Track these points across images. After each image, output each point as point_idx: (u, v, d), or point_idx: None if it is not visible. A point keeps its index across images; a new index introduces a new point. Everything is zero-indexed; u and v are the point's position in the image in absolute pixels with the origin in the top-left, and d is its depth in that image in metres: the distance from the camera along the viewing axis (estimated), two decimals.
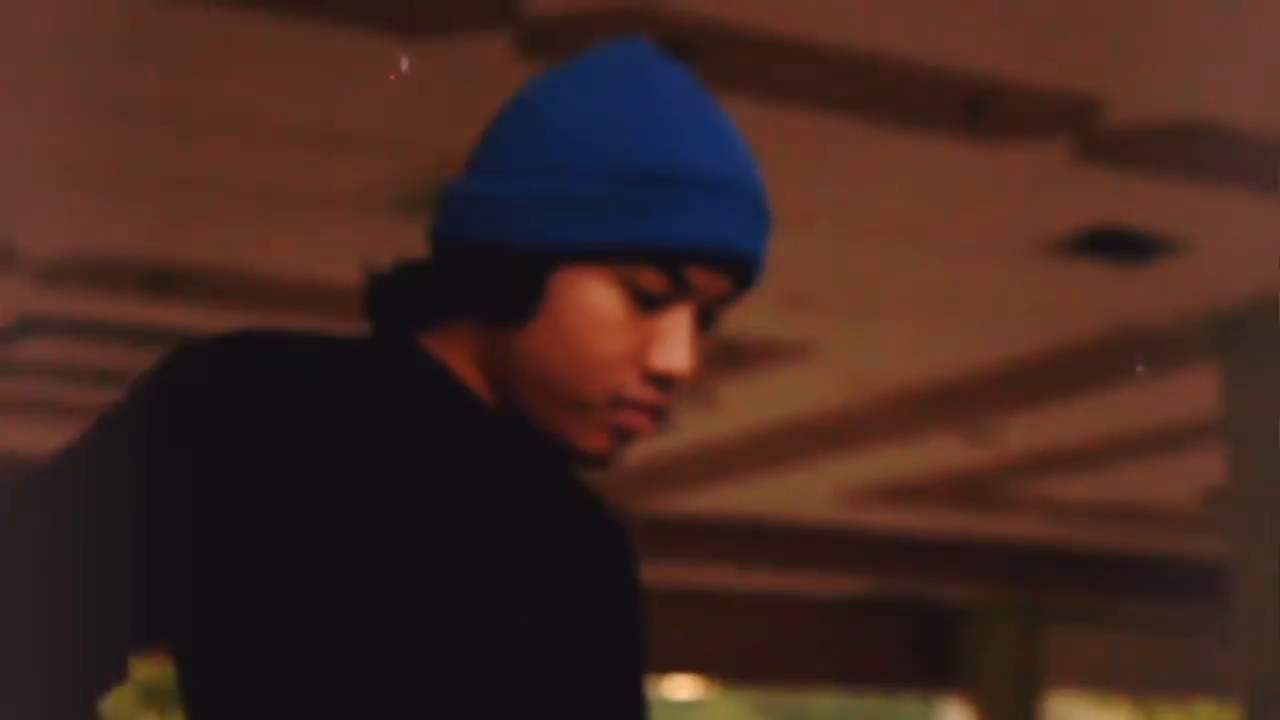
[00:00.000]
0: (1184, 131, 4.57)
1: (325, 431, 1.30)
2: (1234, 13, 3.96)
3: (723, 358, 6.50)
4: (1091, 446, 7.94)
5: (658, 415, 1.34)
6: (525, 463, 1.39)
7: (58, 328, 6.14)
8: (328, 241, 5.34)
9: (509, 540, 1.35)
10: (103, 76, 4.22)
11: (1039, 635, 11.00)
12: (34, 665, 1.25)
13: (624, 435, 1.34)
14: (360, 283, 1.40)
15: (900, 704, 12.21)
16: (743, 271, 1.33)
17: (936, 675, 11.41)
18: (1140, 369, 6.48)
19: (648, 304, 1.31)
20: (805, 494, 8.94)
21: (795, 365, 6.66)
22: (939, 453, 8.02)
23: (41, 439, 7.49)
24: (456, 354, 1.37)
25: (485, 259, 1.32)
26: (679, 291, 1.31)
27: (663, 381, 1.32)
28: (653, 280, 1.30)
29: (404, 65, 4.14)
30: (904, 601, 11.25)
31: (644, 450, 7.84)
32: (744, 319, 5.98)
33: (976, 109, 4.43)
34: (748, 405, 7.26)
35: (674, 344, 1.32)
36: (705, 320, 1.35)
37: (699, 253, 1.30)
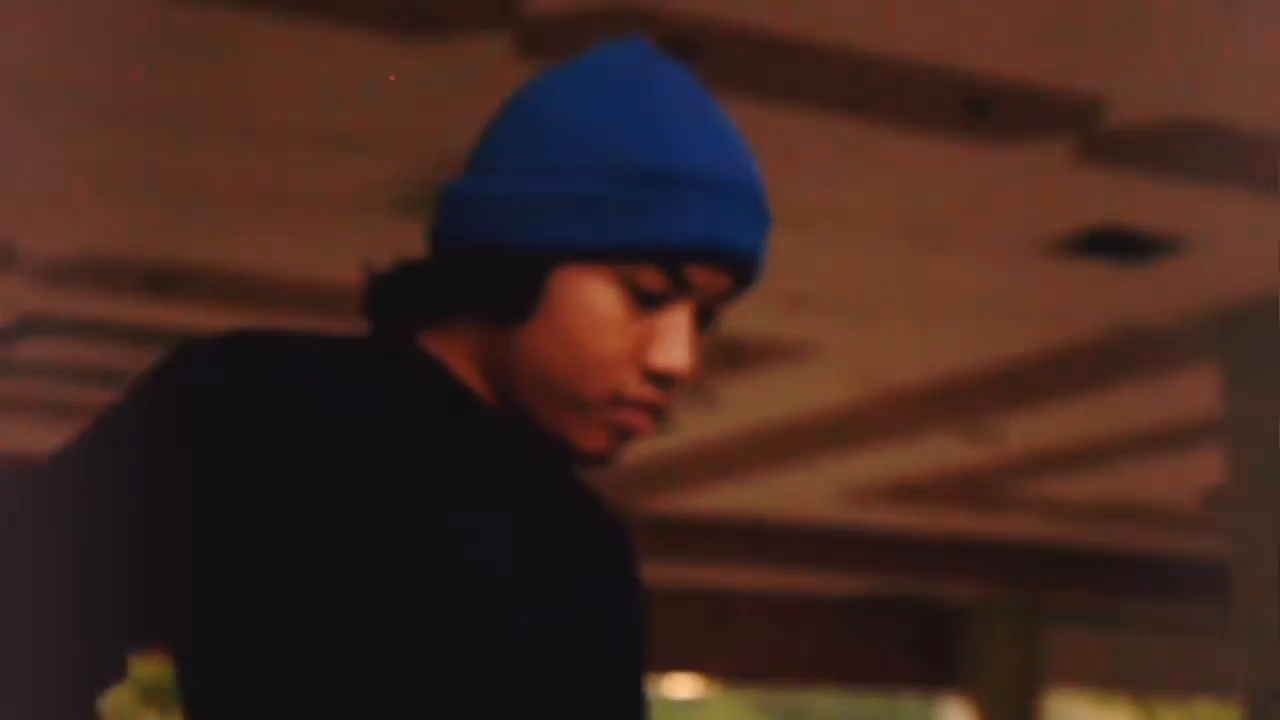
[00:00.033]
0: (1185, 132, 4.57)
1: (324, 431, 1.30)
2: (1235, 13, 3.96)
3: (724, 357, 6.51)
4: (1092, 446, 7.94)
5: (657, 414, 1.34)
6: (525, 462, 1.39)
7: (58, 327, 6.14)
8: (328, 241, 5.34)
9: (509, 539, 1.35)
10: (103, 76, 4.22)
11: (1039, 634, 11.01)
12: (33, 663, 1.25)
13: (623, 434, 1.34)
14: (360, 282, 1.40)
15: (901, 703, 12.21)
16: (742, 270, 1.33)
17: (937, 674, 11.41)
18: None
19: (647, 303, 1.31)
20: (806, 493, 8.94)
21: (796, 365, 6.66)
22: (940, 452, 8.03)
23: (42, 439, 7.50)
24: (456, 353, 1.37)
25: (484, 258, 1.33)
26: (678, 290, 1.31)
27: (662, 380, 1.32)
28: (652, 279, 1.30)
29: (392, 78, 4.14)
30: (905, 601, 11.25)
31: (645, 449, 7.85)
32: (745, 319, 5.98)
33: (978, 109, 4.43)
34: (749, 405, 7.26)
35: (673, 342, 1.32)
36: (704, 318, 1.36)
37: (698, 251, 1.30)
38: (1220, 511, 7.38)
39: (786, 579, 10.60)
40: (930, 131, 4.57)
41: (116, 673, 1.30)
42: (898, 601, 11.24)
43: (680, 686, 11.18)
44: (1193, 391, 6.77)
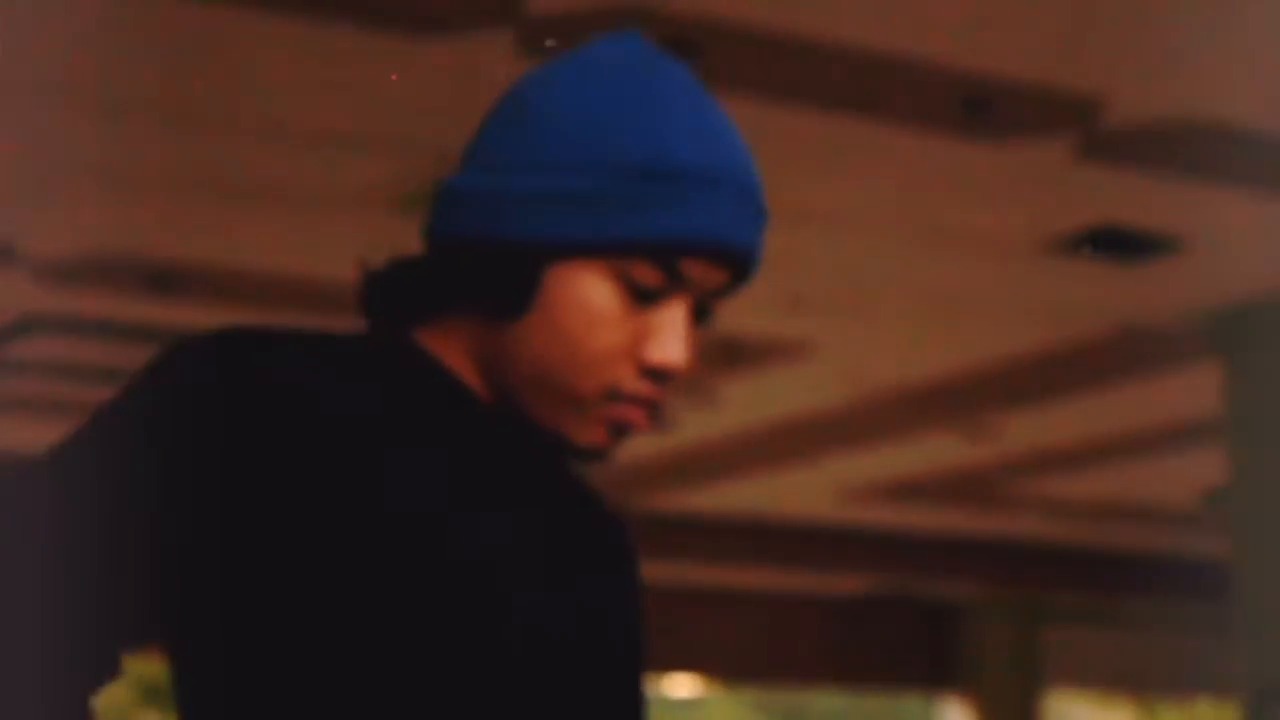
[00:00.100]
0: (1185, 130, 4.57)
1: (321, 428, 1.29)
2: (1234, 12, 3.96)
3: (723, 356, 6.51)
4: (1092, 445, 7.94)
5: (653, 409, 1.34)
6: (523, 459, 1.39)
7: (58, 327, 6.14)
8: (328, 241, 5.34)
9: (508, 537, 1.35)
10: (103, 76, 4.22)
11: (1039, 633, 11.00)
12: (27, 661, 1.25)
13: (620, 429, 1.34)
14: (356, 280, 1.40)
15: (900, 702, 12.21)
16: (738, 265, 1.33)
17: (937, 673, 11.41)
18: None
19: (643, 298, 1.31)
20: (806, 492, 8.94)
21: (795, 364, 6.66)
22: (939, 451, 8.03)
23: (42, 437, 7.50)
24: (452, 349, 1.37)
25: (480, 254, 1.32)
26: (674, 285, 1.31)
27: (658, 375, 1.32)
28: (647, 274, 1.30)
29: (393, 78, 4.14)
30: (904, 600, 11.25)
31: (644, 448, 7.84)
32: (744, 318, 5.98)
33: (977, 107, 4.43)
34: (748, 404, 7.26)
35: (669, 337, 1.32)
36: (701, 314, 1.35)
37: (694, 246, 1.30)
38: (1220, 510, 7.38)
39: (786, 578, 10.60)
40: (930, 130, 4.57)
41: (110, 671, 1.30)
42: (897, 601, 11.24)
43: (679, 686, 11.17)
44: (1192, 390, 6.76)
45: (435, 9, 3.94)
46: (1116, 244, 5.36)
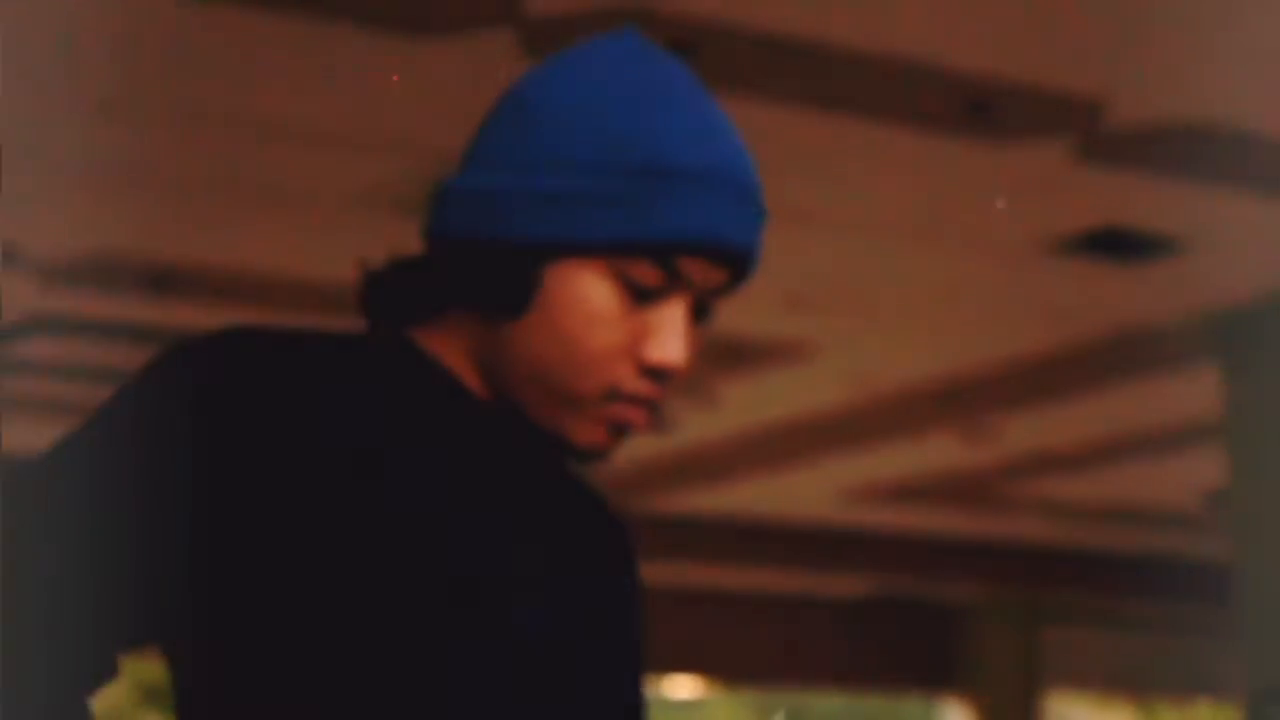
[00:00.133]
0: (1186, 132, 4.57)
1: (321, 428, 1.29)
2: (1235, 15, 3.96)
3: (723, 357, 6.50)
4: (1092, 446, 7.94)
5: (652, 408, 1.34)
6: (523, 459, 1.39)
7: (59, 327, 6.14)
8: (328, 242, 5.33)
9: (509, 537, 1.35)
10: (103, 76, 4.22)
11: (1039, 635, 11.00)
12: (24, 661, 1.25)
13: (619, 429, 1.34)
14: (356, 280, 1.40)
15: (901, 703, 12.20)
16: (737, 264, 1.33)
17: (937, 675, 11.40)
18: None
19: (642, 297, 1.31)
20: (806, 494, 8.94)
21: (796, 365, 6.66)
22: (940, 453, 8.02)
23: (42, 438, 7.48)
24: (451, 349, 1.37)
25: (479, 254, 1.32)
26: (673, 284, 1.31)
27: (658, 374, 1.32)
28: (646, 273, 1.30)
29: (394, 78, 4.14)
30: (904, 601, 11.24)
31: (644, 450, 7.84)
32: (744, 319, 5.98)
33: (978, 109, 4.43)
34: (748, 405, 7.26)
35: (668, 336, 1.31)
36: (699, 313, 1.35)
37: (692, 245, 1.30)
38: (1220, 512, 7.38)
39: (786, 579, 10.59)
40: (930, 131, 4.57)
41: (107, 671, 1.30)
42: (897, 602, 11.24)
43: (680, 687, 11.17)
44: (1193, 392, 6.76)
45: (435, 9, 3.93)
46: (1116, 245, 5.36)
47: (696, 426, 7.50)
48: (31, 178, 4.85)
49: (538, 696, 1.32)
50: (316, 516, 1.26)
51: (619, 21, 3.93)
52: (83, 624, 1.26)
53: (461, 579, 1.30)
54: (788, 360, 6.61)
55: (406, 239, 1.40)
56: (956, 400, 7.15)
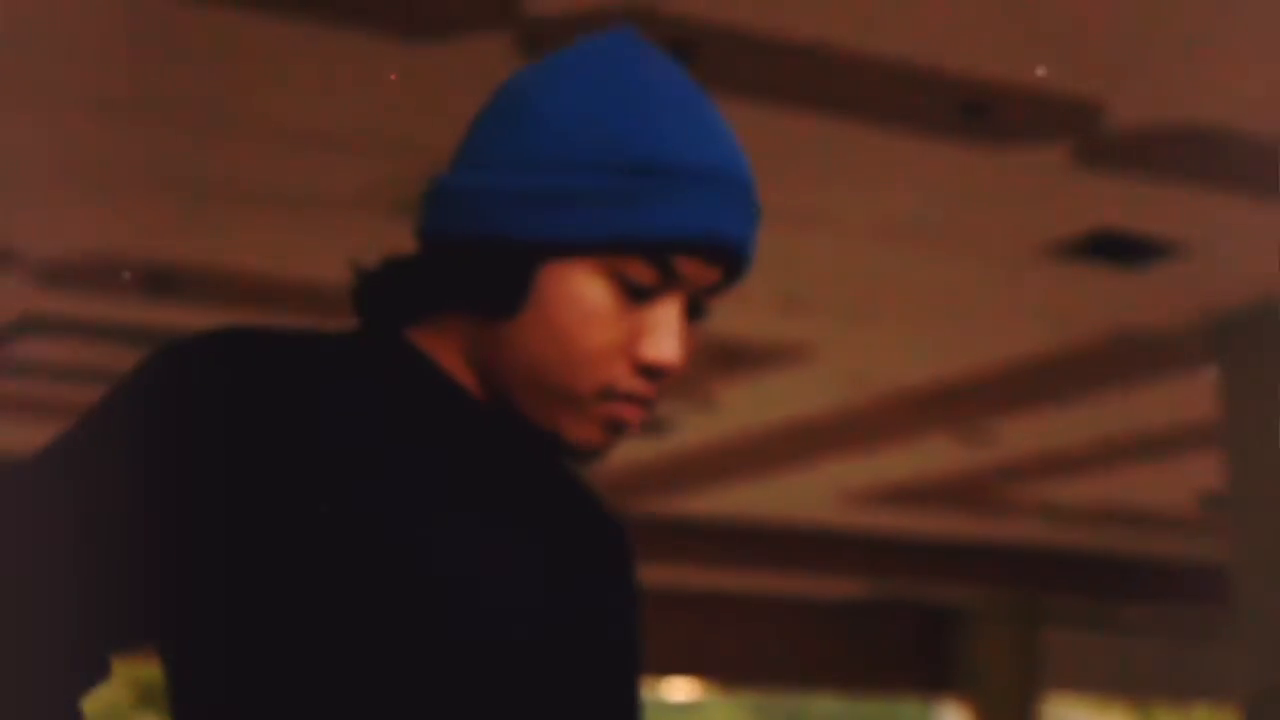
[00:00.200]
0: (1184, 135, 4.57)
1: (317, 429, 1.29)
2: (1233, 17, 3.96)
3: (722, 359, 6.50)
4: (1090, 449, 7.94)
5: (647, 406, 1.34)
6: (521, 460, 1.39)
7: (58, 327, 6.14)
8: (327, 242, 5.33)
9: (507, 538, 1.34)
10: (103, 76, 4.22)
11: (1038, 638, 11.00)
12: (17, 663, 1.24)
13: (615, 427, 1.34)
14: (350, 279, 1.39)
15: (899, 706, 12.20)
16: (732, 262, 1.33)
17: (935, 678, 11.41)
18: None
19: (636, 295, 1.31)
20: (804, 496, 8.94)
21: (795, 367, 6.66)
22: (938, 455, 8.02)
23: (41, 438, 7.49)
24: (445, 349, 1.37)
25: (472, 253, 1.32)
26: (667, 282, 1.31)
27: (653, 372, 1.32)
28: (641, 271, 1.30)
29: (393, 77, 4.14)
30: (903, 604, 11.25)
31: (643, 451, 7.84)
32: (743, 320, 5.98)
33: (977, 112, 4.43)
34: (747, 407, 7.26)
35: (663, 335, 1.31)
36: (694, 311, 1.35)
37: (687, 243, 1.29)
38: (1218, 515, 7.38)
39: (784, 582, 10.60)
40: (928, 134, 4.57)
41: (101, 673, 1.29)
42: (896, 605, 11.24)
43: (677, 689, 11.17)
44: (1191, 395, 6.76)
45: (435, 10, 3.94)
46: (1115, 249, 5.36)
47: (695, 428, 7.50)
48: (31, 178, 4.85)
49: (535, 697, 1.32)
50: (315, 517, 1.26)
51: (618, 22, 3.93)
52: (74, 625, 1.26)
53: (460, 579, 1.30)
54: (786, 362, 6.61)
55: (405, 240, 1.39)
56: (954, 402, 7.16)
